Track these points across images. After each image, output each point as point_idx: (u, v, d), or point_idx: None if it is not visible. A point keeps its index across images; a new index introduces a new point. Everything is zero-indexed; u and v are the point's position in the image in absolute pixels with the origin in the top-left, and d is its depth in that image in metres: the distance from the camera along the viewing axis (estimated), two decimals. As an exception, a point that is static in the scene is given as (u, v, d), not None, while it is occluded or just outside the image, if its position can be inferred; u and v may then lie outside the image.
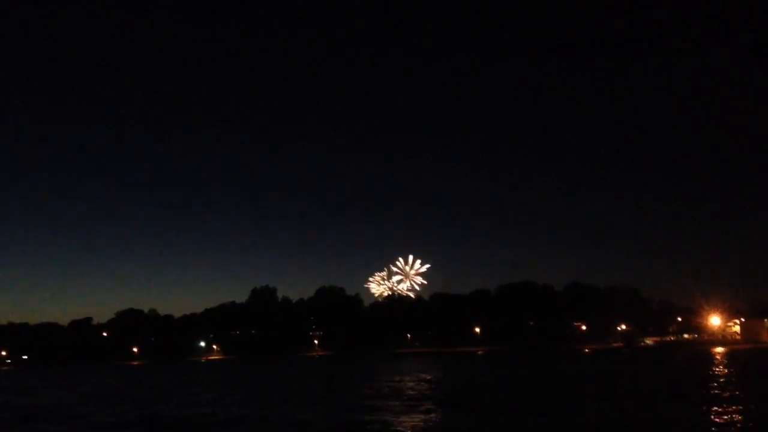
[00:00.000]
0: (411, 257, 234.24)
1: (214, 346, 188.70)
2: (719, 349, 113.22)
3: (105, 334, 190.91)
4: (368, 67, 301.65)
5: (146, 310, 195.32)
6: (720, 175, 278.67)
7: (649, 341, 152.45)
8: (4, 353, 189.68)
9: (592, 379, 53.64)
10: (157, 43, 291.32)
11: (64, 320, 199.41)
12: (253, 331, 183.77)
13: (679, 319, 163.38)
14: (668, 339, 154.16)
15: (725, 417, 27.20)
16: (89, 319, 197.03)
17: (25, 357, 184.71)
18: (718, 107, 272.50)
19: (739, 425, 25.43)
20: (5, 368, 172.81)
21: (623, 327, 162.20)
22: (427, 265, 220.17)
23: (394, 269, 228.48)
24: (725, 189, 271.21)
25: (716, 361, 73.75)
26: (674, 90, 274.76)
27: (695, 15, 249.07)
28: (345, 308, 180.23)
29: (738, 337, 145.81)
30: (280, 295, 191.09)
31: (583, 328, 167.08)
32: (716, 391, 37.80)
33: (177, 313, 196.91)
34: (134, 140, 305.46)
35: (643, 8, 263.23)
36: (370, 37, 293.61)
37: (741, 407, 30.04)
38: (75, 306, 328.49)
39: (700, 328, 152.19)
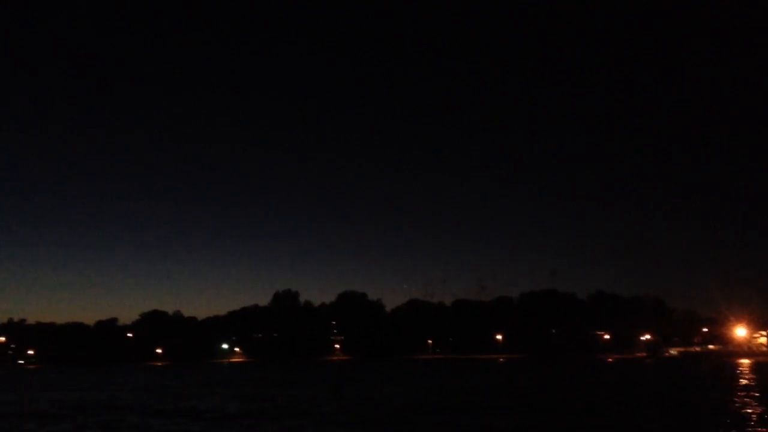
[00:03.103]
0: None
1: (237, 349, 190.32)
2: (744, 361, 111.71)
3: (130, 335, 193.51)
4: (389, 77, 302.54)
5: (170, 312, 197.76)
6: (747, 186, 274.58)
7: (673, 351, 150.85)
8: (31, 352, 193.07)
9: (599, 387, 53.35)
10: (170, 46, 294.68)
11: (90, 320, 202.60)
12: (275, 335, 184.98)
13: (705, 329, 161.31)
14: (693, 350, 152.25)
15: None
16: (114, 319, 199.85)
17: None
18: (746, 116, 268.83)
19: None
20: (32, 367, 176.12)
21: (647, 337, 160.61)
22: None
23: None
24: (752, 200, 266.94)
25: (741, 373, 72.86)
26: (704, 102, 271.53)
27: (709, 22, 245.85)
28: (366, 313, 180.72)
29: (764, 348, 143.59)
30: (302, 299, 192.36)
31: (607, 337, 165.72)
32: (739, 403, 37.52)
33: (201, 316, 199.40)
34: (161, 142, 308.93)
35: (654, 14, 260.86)
36: (385, 48, 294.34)
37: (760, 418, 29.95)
38: (100, 307, 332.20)
39: (725, 339, 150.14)
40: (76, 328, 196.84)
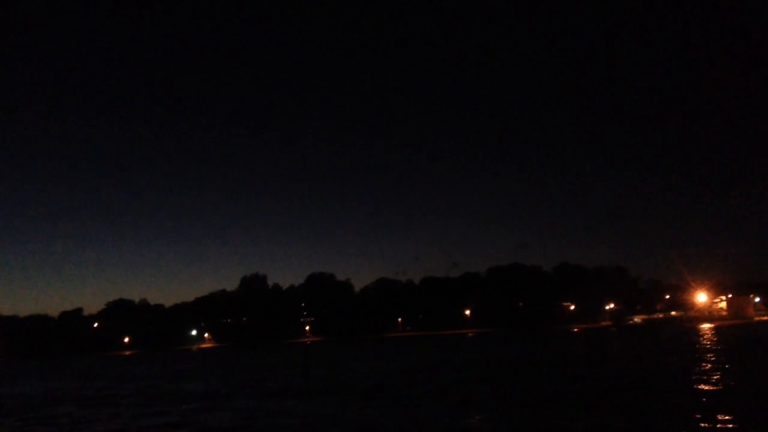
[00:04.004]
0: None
1: (206, 335, 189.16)
2: (706, 326, 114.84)
3: (96, 324, 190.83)
4: (354, 59, 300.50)
5: (136, 300, 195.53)
6: (705, 153, 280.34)
7: (637, 319, 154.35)
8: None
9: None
10: (152, 36, 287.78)
11: (54, 312, 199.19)
12: (244, 319, 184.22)
13: (667, 296, 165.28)
14: (656, 316, 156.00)
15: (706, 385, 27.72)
16: (79, 310, 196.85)
17: None
18: (702, 89, 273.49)
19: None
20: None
21: (612, 306, 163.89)
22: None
23: None
24: (710, 166, 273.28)
25: (702, 337, 74.80)
26: (659, 73, 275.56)
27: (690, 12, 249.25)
28: (335, 294, 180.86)
29: (724, 313, 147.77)
30: (270, 282, 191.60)
31: (572, 307, 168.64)
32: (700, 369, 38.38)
33: (167, 303, 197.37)
34: (122, 130, 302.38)
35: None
36: (352, 35, 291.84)
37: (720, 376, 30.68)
38: (65, 297, 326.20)
39: (687, 305, 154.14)
40: (40, 319, 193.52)
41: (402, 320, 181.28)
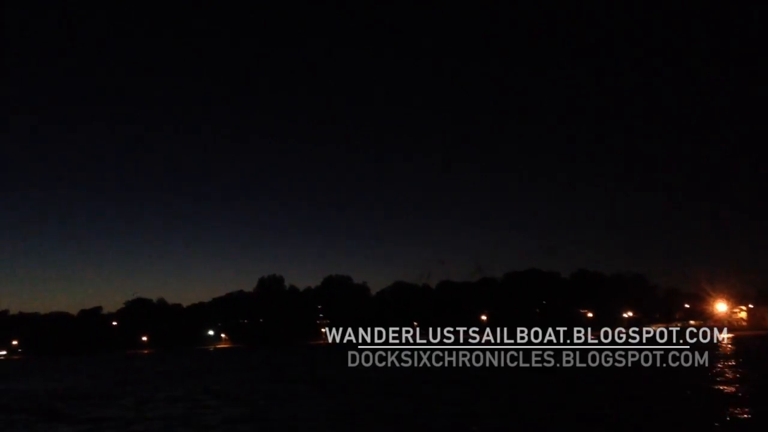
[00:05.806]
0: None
1: (223, 335, 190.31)
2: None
3: (114, 323, 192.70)
4: (370, 62, 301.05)
5: (155, 300, 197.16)
6: (726, 163, 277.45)
7: (655, 328, 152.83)
8: (15, 343, 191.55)
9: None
10: (162, 38, 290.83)
11: (74, 310, 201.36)
12: (261, 320, 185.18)
13: (686, 305, 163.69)
14: (674, 325, 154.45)
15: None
16: (99, 308, 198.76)
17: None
18: (722, 96, 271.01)
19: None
20: (16, 357, 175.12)
21: (630, 314, 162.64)
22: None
23: None
24: (731, 176, 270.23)
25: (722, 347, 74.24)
26: (678, 81, 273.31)
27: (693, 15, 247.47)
28: (352, 297, 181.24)
29: (744, 323, 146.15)
30: (287, 284, 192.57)
31: (590, 315, 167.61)
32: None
33: (185, 302, 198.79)
34: (140, 130, 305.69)
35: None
36: (370, 35, 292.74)
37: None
38: (84, 295, 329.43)
39: (706, 315, 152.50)
40: (60, 317, 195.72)
41: (418, 323, 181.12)
